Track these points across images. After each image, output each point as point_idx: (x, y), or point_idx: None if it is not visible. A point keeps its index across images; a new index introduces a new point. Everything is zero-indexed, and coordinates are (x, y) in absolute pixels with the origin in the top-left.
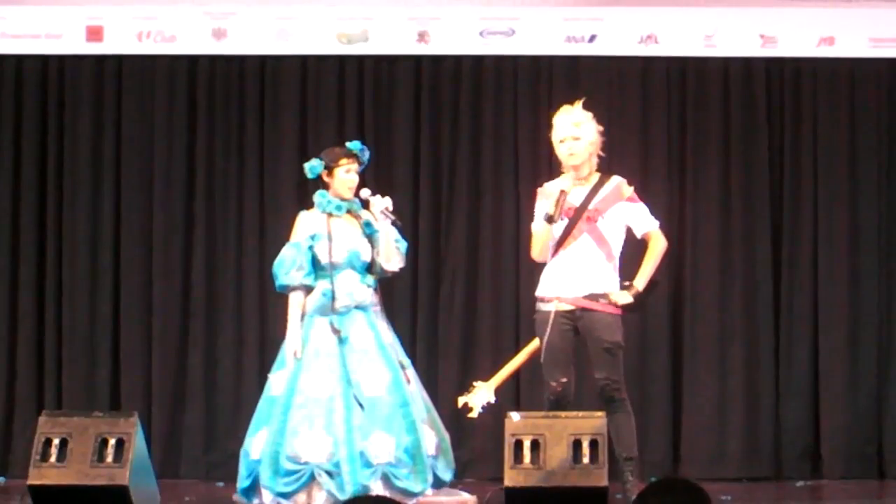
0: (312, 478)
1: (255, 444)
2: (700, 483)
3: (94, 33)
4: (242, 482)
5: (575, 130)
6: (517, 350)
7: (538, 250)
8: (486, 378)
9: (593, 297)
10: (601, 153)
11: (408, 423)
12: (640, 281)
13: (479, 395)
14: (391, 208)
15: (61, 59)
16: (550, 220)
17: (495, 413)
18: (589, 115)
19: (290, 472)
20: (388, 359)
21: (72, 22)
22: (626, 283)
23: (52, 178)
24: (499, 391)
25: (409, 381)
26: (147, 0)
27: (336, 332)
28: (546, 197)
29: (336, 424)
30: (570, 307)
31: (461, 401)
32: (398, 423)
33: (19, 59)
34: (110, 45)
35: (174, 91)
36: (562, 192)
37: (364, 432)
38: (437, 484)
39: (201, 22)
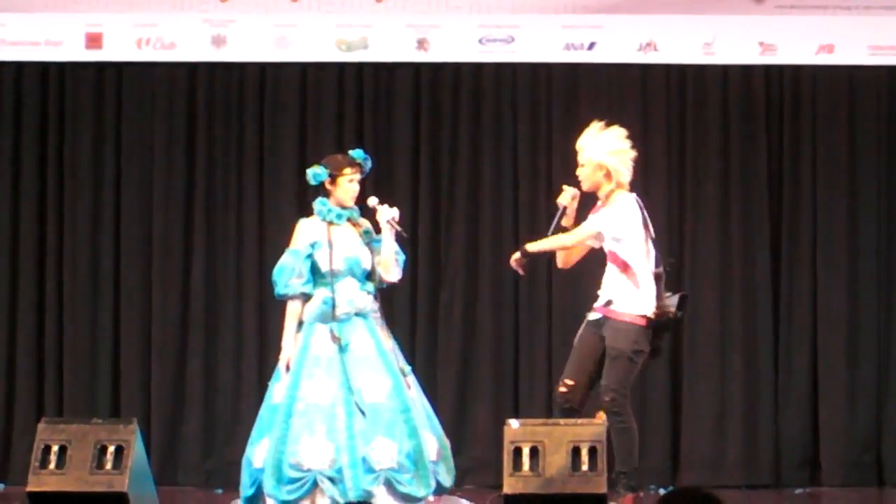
0: (315, 485)
1: (258, 453)
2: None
3: (94, 40)
4: (246, 491)
5: (579, 158)
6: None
7: (558, 260)
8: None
9: (607, 304)
10: (625, 171)
11: (409, 429)
12: (532, 245)
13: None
14: (398, 219)
15: (61, 66)
16: (555, 231)
17: (495, 421)
18: (594, 138)
19: (293, 480)
20: (389, 365)
21: (71, 29)
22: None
23: (51, 186)
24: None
25: (409, 387)
26: (147, 7)
27: (336, 340)
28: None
29: (338, 431)
30: (597, 316)
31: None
32: (400, 428)
33: (19, 66)
34: (110, 53)
35: (174, 98)
36: (562, 207)
37: (366, 438)
38: (438, 490)
39: (201, 29)
